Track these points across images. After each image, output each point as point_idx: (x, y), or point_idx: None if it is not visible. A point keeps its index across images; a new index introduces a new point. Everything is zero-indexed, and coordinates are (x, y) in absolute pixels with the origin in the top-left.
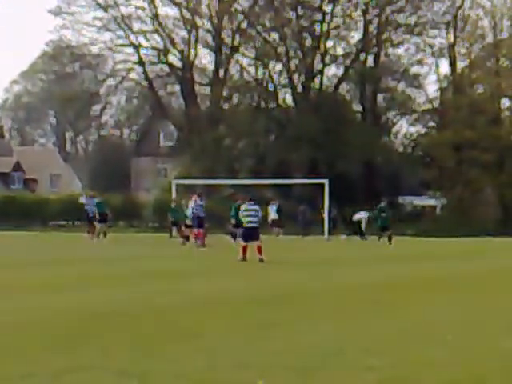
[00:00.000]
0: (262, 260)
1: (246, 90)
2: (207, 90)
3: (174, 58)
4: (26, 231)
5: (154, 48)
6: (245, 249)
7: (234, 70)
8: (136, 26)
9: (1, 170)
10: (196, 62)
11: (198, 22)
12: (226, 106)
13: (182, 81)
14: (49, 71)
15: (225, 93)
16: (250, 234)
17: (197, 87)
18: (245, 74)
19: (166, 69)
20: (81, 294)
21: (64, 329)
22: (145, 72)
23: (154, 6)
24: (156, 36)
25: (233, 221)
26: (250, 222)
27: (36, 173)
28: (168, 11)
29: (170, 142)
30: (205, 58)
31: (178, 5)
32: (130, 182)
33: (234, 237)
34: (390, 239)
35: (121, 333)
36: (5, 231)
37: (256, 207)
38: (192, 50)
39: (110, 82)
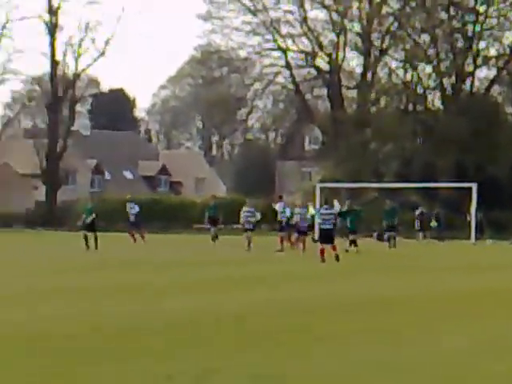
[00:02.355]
0: (337, 257)
1: (394, 93)
2: (354, 93)
3: (321, 62)
4: (170, 233)
5: (301, 51)
6: (322, 251)
7: (382, 72)
8: (284, 29)
9: (147, 173)
10: (344, 65)
11: (348, 24)
12: (373, 109)
13: (329, 84)
14: (196, 76)
15: (372, 96)
16: (325, 237)
17: (344, 90)
18: (393, 77)
19: (314, 72)
20: (219, 295)
21: (202, 329)
22: (292, 75)
23: (303, 10)
24: (304, 39)
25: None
26: (325, 224)
27: (181, 176)
28: (317, 14)
29: (315, 145)
30: (353, 61)
31: (328, 8)
32: (275, 185)
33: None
34: None
35: (255, 334)
36: (149, 233)
37: (333, 211)
38: (340, 53)
39: (257, 85)
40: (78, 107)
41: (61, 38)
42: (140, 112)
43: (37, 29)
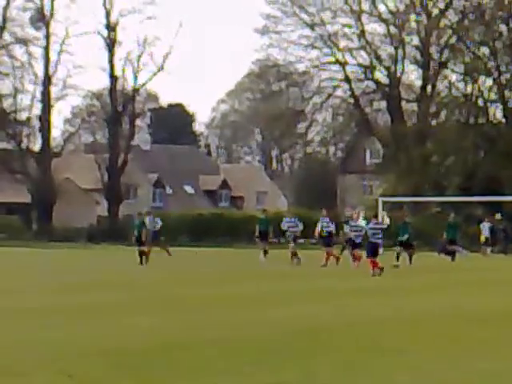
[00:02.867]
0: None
1: (455, 106)
2: (414, 106)
3: (380, 75)
4: (232, 248)
5: (360, 65)
6: (374, 263)
7: (441, 85)
8: (342, 43)
9: (208, 187)
10: (403, 78)
11: (406, 38)
12: (433, 122)
13: (388, 97)
14: (255, 90)
15: (432, 109)
16: (373, 251)
17: (403, 104)
18: (453, 90)
19: (373, 85)
20: (284, 309)
21: (268, 343)
22: (351, 89)
23: (361, 23)
24: (362, 53)
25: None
26: (373, 238)
27: (242, 190)
28: (375, 28)
29: (376, 159)
30: (412, 74)
31: (385, 21)
32: (336, 199)
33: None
34: None
35: (322, 349)
36: (211, 247)
37: (382, 226)
38: (399, 67)
39: (316, 99)
40: (138, 122)
41: (120, 53)
42: (200, 126)
43: (96, 44)
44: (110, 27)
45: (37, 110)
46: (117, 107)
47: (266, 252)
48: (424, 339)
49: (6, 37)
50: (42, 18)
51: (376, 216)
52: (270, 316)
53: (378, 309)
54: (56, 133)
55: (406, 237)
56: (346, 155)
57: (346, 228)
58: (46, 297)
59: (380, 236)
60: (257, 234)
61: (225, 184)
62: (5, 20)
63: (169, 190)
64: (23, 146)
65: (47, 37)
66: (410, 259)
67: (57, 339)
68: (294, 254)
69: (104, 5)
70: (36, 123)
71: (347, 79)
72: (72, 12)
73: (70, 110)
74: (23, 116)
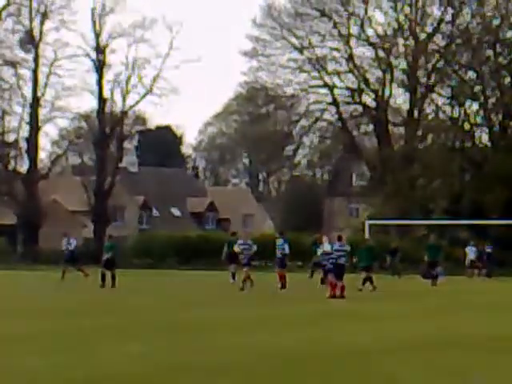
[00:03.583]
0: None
1: (441, 130)
2: (401, 129)
3: (368, 98)
4: (218, 271)
5: (348, 88)
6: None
7: (428, 109)
8: (331, 66)
9: (195, 209)
10: (390, 101)
11: (394, 61)
12: (420, 145)
13: (375, 121)
14: (243, 112)
15: (419, 132)
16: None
17: (390, 127)
18: (440, 114)
19: (360, 109)
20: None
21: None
22: (338, 112)
23: (350, 47)
24: (350, 76)
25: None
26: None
27: (229, 213)
28: (363, 51)
29: (363, 181)
30: (399, 98)
31: (374, 45)
32: (322, 221)
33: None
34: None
35: (319, 377)
36: (197, 270)
37: (346, 248)
38: (386, 90)
39: (304, 122)
40: (126, 144)
41: (108, 75)
42: (187, 148)
43: (84, 66)
44: (99, 50)
45: (24, 131)
46: (105, 129)
47: (234, 275)
48: (414, 366)
49: None
50: (31, 41)
51: (340, 238)
52: (257, 341)
53: (363, 335)
54: (43, 154)
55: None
56: (333, 178)
57: (319, 251)
58: (32, 321)
59: (345, 259)
60: (223, 256)
61: (212, 206)
62: None
63: (156, 213)
64: (10, 167)
65: (36, 59)
66: (364, 282)
67: (40, 367)
68: (248, 277)
69: (93, 28)
70: (23, 145)
71: (335, 102)
72: (61, 34)
73: (58, 132)
74: (11, 138)
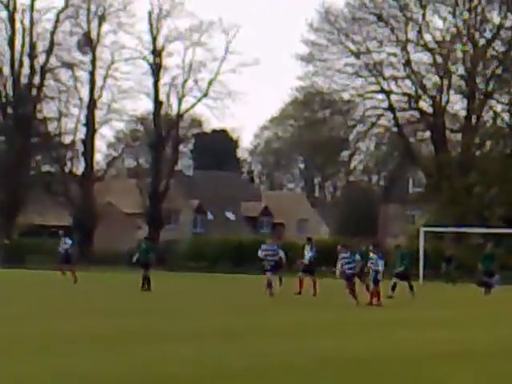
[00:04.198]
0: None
1: (500, 137)
2: (458, 136)
3: (424, 104)
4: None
5: (404, 94)
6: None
7: (487, 116)
8: (387, 72)
9: (250, 214)
10: (447, 107)
11: (452, 67)
12: (477, 152)
13: (432, 127)
14: (299, 117)
15: (477, 139)
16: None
17: (448, 133)
18: (498, 121)
19: (417, 115)
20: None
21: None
22: (395, 118)
23: (407, 52)
24: (407, 82)
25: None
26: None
27: (284, 217)
28: (420, 57)
29: (419, 188)
30: (456, 104)
31: (431, 50)
32: (377, 227)
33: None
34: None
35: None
36: (250, 275)
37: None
38: (444, 96)
39: (360, 128)
40: (181, 147)
41: (164, 78)
42: (243, 153)
43: (141, 69)
44: (156, 53)
45: (81, 133)
46: (160, 132)
47: (280, 280)
48: (466, 373)
49: (53, 61)
50: (88, 43)
51: (345, 245)
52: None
53: (414, 342)
54: (99, 156)
55: (402, 268)
56: (389, 184)
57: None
58: (82, 320)
59: (352, 265)
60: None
61: (266, 211)
62: (52, 44)
63: (210, 216)
64: (66, 169)
65: (93, 61)
66: (411, 288)
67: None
68: (269, 284)
69: (150, 31)
70: (80, 147)
71: (391, 108)
72: (118, 37)
73: (114, 134)
74: (67, 139)
